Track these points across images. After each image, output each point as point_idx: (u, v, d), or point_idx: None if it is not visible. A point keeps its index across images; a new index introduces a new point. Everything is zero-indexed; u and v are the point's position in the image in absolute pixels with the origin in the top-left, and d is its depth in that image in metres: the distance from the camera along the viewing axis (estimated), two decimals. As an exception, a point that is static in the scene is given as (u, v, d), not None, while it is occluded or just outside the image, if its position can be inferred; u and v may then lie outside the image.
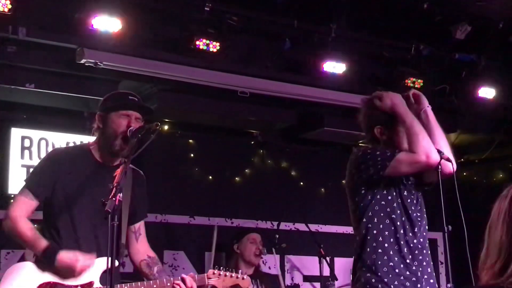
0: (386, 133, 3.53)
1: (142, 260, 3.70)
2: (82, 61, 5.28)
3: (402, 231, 3.41)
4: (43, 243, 3.45)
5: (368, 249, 3.42)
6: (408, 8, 6.04)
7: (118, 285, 3.38)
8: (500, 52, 6.74)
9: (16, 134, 6.11)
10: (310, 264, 7.04)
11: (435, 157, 3.30)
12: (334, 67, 6.15)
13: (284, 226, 6.97)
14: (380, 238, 3.41)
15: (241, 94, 6.07)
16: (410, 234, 3.43)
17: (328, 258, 6.55)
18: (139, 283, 3.48)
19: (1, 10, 4.86)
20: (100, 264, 3.42)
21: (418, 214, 3.49)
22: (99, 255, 3.45)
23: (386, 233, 3.41)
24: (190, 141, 7.04)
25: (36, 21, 5.14)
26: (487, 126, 7.52)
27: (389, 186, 3.44)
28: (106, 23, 5.18)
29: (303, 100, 6.43)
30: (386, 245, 3.40)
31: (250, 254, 6.08)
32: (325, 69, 6.16)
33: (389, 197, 3.44)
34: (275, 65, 6.18)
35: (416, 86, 6.48)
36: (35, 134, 6.17)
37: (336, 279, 6.49)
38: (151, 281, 3.52)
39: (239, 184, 7.22)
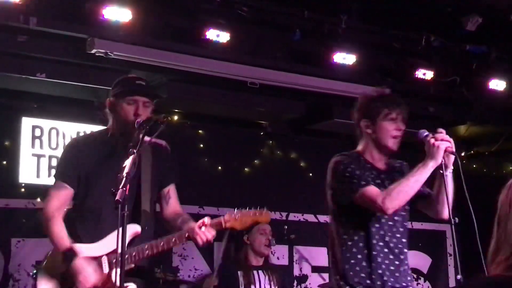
0: (371, 128, 3.56)
1: (171, 218, 3.78)
2: (93, 51, 5.29)
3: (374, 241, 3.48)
4: (63, 244, 3.52)
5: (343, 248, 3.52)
6: (418, -1, 6.02)
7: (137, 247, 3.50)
8: (511, 44, 6.70)
9: (26, 123, 6.14)
10: (319, 255, 7.06)
11: (389, 211, 3.36)
12: (344, 58, 6.14)
13: (293, 217, 6.98)
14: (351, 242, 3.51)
15: (250, 85, 6.06)
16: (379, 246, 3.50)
17: (336, 249, 6.55)
18: (158, 239, 3.57)
19: (13, -1, 4.88)
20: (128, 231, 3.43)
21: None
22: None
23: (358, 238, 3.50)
24: (200, 131, 7.05)
25: (47, 11, 5.15)
26: (497, 118, 7.49)
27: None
28: (117, 13, 5.19)
29: (313, 91, 6.43)
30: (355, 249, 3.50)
31: (260, 245, 6.11)
32: (335, 60, 6.14)
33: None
34: (285, 55, 6.17)
35: (426, 77, 6.48)
36: (46, 123, 6.20)
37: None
38: (170, 236, 3.58)
39: (248, 174, 7.23)
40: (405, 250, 3.59)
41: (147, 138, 3.35)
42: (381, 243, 3.49)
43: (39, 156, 6.11)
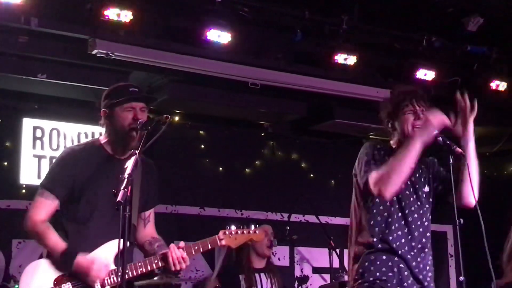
0: (391, 123, 3.56)
1: (146, 241, 3.76)
2: (94, 52, 5.30)
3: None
4: (61, 246, 3.47)
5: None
6: (420, 0, 6.01)
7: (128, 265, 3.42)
8: (512, 45, 6.70)
9: (27, 124, 6.14)
10: (320, 256, 7.05)
11: (386, 194, 3.31)
12: (345, 58, 6.13)
13: (294, 218, 6.97)
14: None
15: (251, 86, 6.06)
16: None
17: (338, 250, 6.55)
18: (152, 257, 3.56)
19: (14, 0, 4.88)
20: (112, 246, 3.44)
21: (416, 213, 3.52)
22: (110, 239, 3.48)
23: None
24: (201, 132, 7.05)
25: (48, 12, 5.15)
26: (499, 119, 7.48)
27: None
28: (118, 14, 5.19)
29: (314, 92, 6.42)
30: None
31: (262, 246, 6.07)
32: (336, 61, 6.13)
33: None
34: (286, 56, 6.17)
35: (427, 78, 6.47)
36: (47, 124, 6.20)
37: (346, 271, 6.49)
38: (147, 258, 3.57)
39: (250, 175, 7.23)
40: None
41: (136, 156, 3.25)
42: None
43: (40, 157, 6.11)
